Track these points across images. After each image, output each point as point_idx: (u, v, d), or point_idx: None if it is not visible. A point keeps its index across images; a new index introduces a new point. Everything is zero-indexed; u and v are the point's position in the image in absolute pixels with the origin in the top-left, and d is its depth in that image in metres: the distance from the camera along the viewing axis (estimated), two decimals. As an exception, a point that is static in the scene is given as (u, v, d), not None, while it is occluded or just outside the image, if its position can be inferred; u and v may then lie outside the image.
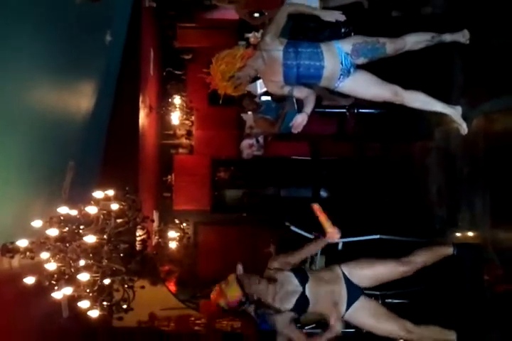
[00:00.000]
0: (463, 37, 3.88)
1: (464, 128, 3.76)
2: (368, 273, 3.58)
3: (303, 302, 3.47)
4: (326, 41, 3.92)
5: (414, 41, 3.85)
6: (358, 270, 3.59)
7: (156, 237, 7.93)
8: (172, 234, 8.10)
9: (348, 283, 3.54)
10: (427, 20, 5.03)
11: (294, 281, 3.50)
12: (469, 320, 3.68)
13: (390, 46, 3.78)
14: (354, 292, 3.53)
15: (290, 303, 3.46)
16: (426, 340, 3.48)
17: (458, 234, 4.00)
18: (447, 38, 3.88)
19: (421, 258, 3.58)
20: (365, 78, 3.79)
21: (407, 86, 3.80)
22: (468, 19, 4.11)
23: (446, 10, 4.70)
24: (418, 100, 3.80)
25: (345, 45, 3.78)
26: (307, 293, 3.48)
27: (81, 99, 5.39)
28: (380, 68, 3.89)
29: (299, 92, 3.89)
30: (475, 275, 3.74)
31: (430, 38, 3.86)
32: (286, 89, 3.84)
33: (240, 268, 3.55)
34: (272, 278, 3.50)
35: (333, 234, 3.76)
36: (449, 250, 3.64)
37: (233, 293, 3.43)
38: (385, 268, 3.58)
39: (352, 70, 3.74)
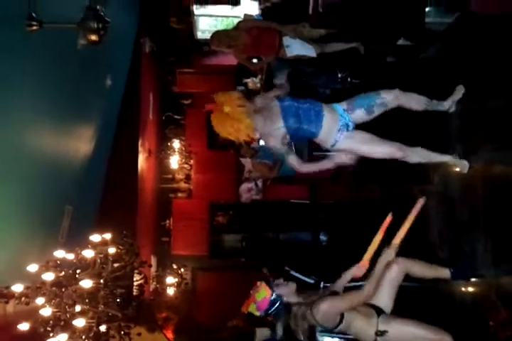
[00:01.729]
0: (459, 93, 3.92)
1: (465, 166, 3.79)
2: None
3: None
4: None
5: (413, 99, 3.87)
6: None
7: (154, 283, 7.80)
8: (170, 279, 7.98)
9: None
10: (421, 65, 5.12)
11: None
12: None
13: (386, 93, 3.79)
14: None
15: None
16: None
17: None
18: (445, 104, 3.93)
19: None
20: (365, 136, 3.78)
21: (405, 143, 3.83)
22: (460, 66, 4.20)
23: (440, 55, 4.82)
24: (419, 155, 3.81)
25: (341, 104, 3.81)
26: None
27: (80, 143, 5.42)
28: (377, 127, 3.90)
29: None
30: (480, 321, 3.67)
31: (427, 102, 3.89)
32: (286, 148, 3.83)
33: (265, 270, 3.52)
34: None
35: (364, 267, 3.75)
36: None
37: (262, 294, 3.42)
38: None
39: (351, 125, 3.73)
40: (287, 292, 3.44)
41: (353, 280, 3.86)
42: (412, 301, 3.74)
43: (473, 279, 3.77)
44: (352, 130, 3.71)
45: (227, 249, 8.62)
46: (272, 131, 3.67)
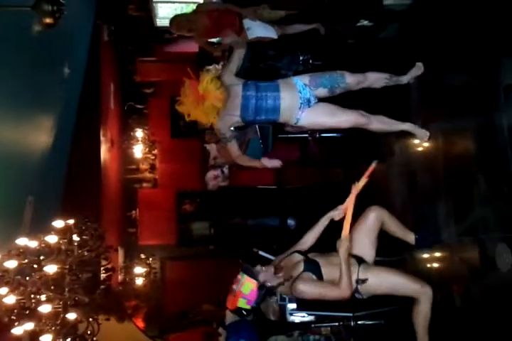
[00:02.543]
0: (418, 70, 4.00)
1: (425, 134, 3.86)
2: None
3: None
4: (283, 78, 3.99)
5: (375, 78, 3.93)
6: None
7: (122, 274, 7.73)
8: (138, 269, 7.91)
9: None
10: (381, 44, 5.16)
11: None
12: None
13: (350, 77, 3.83)
14: None
15: None
16: None
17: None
18: (404, 79, 4.00)
19: None
20: (327, 107, 3.82)
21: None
22: (420, 43, 4.25)
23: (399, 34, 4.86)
24: (381, 121, 3.87)
25: (303, 78, 3.83)
26: None
27: (39, 133, 5.29)
28: (338, 99, 3.94)
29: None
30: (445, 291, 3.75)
31: (388, 77, 3.95)
32: (230, 134, 3.85)
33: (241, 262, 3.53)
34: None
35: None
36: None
37: (248, 286, 3.33)
38: None
39: (312, 100, 3.76)
40: (269, 277, 3.38)
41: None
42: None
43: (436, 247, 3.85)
44: (314, 104, 3.74)
45: (195, 237, 8.61)
46: (224, 115, 3.70)
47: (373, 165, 3.64)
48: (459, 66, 3.79)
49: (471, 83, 3.64)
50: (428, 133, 3.93)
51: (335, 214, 3.65)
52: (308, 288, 3.32)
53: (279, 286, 3.42)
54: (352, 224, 3.49)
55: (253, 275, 3.36)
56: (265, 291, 3.38)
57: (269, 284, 3.38)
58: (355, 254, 3.55)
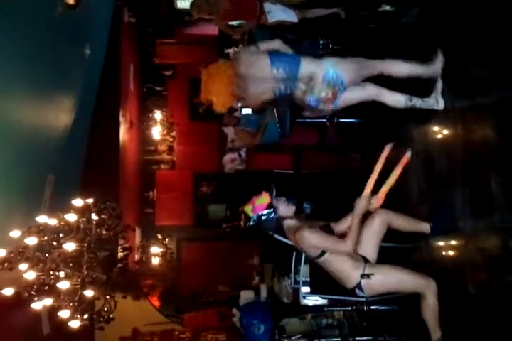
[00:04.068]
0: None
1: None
2: None
3: None
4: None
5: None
6: None
7: (139, 253, 7.84)
8: (155, 249, 8.02)
9: None
10: (402, 30, 5.12)
11: None
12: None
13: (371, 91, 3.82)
14: None
15: None
16: None
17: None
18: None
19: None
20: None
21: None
22: (442, 28, 4.20)
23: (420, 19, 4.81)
24: (402, 65, 3.79)
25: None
26: None
27: (60, 113, 5.36)
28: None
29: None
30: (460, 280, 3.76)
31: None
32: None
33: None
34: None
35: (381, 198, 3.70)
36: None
37: (262, 200, 3.62)
38: None
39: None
40: (284, 209, 3.60)
41: None
42: (392, 262, 3.78)
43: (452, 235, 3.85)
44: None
45: (211, 219, 8.69)
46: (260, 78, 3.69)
47: (387, 148, 3.72)
48: (481, 53, 3.75)
49: (494, 71, 3.61)
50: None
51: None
52: (312, 236, 3.42)
53: (286, 219, 3.62)
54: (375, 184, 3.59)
55: (272, 195, 3.64)
56: (273, 213, 3.62)
57: (280, 212, 3.61)
58: (360, 254, 3.60)
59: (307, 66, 3.70)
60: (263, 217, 3.62)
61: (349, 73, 3.70)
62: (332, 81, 3.65)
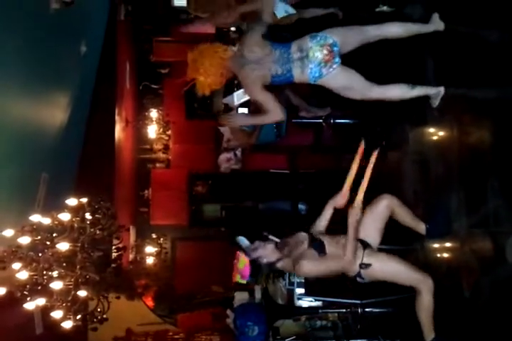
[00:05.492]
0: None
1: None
2: None
3: None
4: None
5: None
6: None
7: (133, 253, 7.82)
8: (149, 249, 7.99)
9: None
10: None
11: None
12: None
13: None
14: None
15: None
16: None
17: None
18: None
19: None
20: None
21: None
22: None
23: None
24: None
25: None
26: None
27: (55, 110, 5.33)
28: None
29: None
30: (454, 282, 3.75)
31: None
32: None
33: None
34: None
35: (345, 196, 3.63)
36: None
37: (242, 262, 3.52)
38: None
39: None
40: (266, 253, 3.42)
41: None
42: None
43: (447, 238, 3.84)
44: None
45: (206, 218, 8.66)
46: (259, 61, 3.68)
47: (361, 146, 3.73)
48: (480, 52, 3.73)
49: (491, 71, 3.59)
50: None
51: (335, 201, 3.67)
52: (312, 266, 3.35)
53: (279, 262, 3.44)
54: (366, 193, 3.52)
55: (246, 252, 3.46)
56: (260, 266, 3.46)
57: (265, 260, 3.42)
58: (361, 238, 3.56)
59: (297, 42, 3.73)
60: (255, 274, 3.57)
61: (338, 36, 3.73)
62: (321, 40, 3.66)
